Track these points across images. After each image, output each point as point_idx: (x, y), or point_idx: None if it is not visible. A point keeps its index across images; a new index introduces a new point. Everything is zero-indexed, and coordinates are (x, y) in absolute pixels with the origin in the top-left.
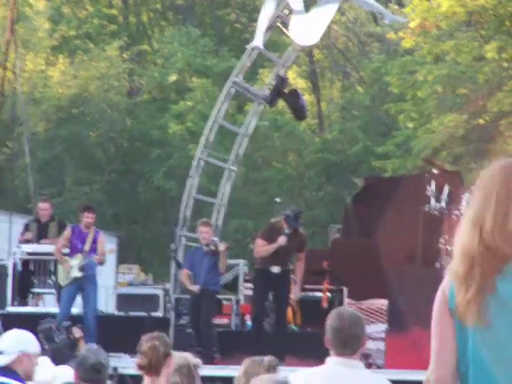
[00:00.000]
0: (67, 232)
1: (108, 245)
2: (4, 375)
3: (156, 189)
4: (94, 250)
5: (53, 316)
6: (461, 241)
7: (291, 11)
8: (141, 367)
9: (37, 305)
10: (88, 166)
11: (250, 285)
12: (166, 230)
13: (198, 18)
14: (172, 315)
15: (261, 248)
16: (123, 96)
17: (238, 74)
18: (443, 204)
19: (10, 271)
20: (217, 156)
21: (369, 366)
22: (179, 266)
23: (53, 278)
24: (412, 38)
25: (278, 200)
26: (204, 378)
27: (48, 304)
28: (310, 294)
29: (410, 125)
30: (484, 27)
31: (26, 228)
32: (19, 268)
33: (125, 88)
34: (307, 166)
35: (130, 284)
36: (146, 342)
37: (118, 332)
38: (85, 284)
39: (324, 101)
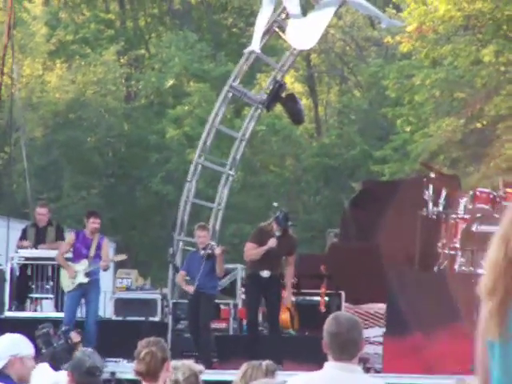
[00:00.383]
0: (71, 237)
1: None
2: None
3: (154, 193)
4: (98, 255)
5: (50, 321)
6: (489, 255)
7: (288, 15)
8: (138, 373)
9: (35, 310)
10: (85, 171)
11: None
12: (163, 235)
13: (195, 22)
14: (170, 320)
15: (251, 251)
16: (121, 101)
17: (236, 78)
18: (441, 208)
19: (7, 276)
20: (214, 160)
21: (367, 370)
22: (177, 270)
23: (51, 283)
24: (409, 42)
25: (276, 204)
26: (202, 383)
27: (46, 309)
28: (308, 298)
29: (408, 129)
30: (481, 31)
31: (24, 233)
32: (17, 273)
33: (122, 93)
34: (305, 170)
35: (128, 289)
36: (143, 347)
37: (115, 337)
38: (89, 290)
39: (321, 105)
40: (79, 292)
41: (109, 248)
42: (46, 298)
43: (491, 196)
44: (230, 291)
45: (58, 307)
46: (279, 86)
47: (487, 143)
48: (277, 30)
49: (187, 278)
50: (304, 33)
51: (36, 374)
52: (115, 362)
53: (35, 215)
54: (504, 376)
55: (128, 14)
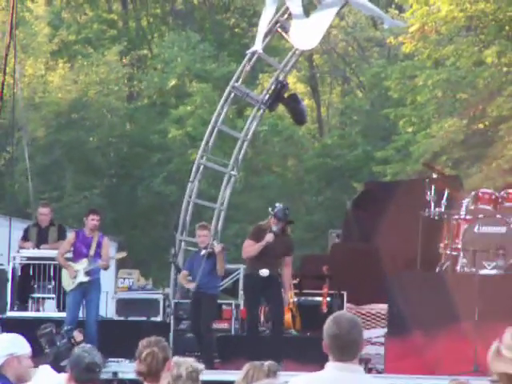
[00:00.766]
0: (71, 237)
1: (110, 249)
2: None
3: (156, 193)
4: (98, 254)
5: (52, 321)
6: None
7: (291, 16)
8: (140, 374)
9: (37, 310)
10: (88, 171)
11: None
12: (165, 235)
13: (197, 22)
14: (172, 320)
15: (248, 248)
16: (123, 101)
17: (238, 78)
18: (443, 209)
19: (9, 276)
20: (216, 161)
21: (369, 370)
22: (179, 270)
23: (52, 282)
24: (412, 42)
25: (278, 205)
26: (204, 383)
27: (48, 309)
28: (310, 298)
29: (410, 129)
30: (484, 32)
31: (26, 233)
32: (19, 273)
33: (124, 93)
34: (307, 171)
35: (130, 289)
36: (145, 348)
37: (117, 337)
38: (89, 289)
39: (324, 105)
40: (80, 291)
41: (109, 247)
42: (48, 298)
43: (493, 197)
44: (232, 291)
45: (60, 307)
46: (282, 86)
47: (489, 144)
48: (279, 30)
49: (189, 277)
50: (306, 33)
51: (38, 376)
52: (117, 362)
53: (37, 215)
54: None
55: (130, 14)
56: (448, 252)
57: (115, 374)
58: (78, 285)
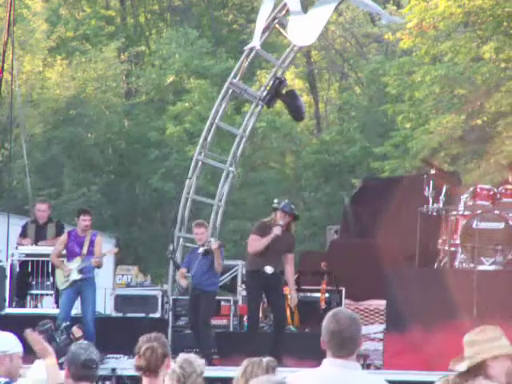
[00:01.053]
0: (63, 237)
1: (107, 246)
2: None
3: (154, 190)
4: (91, 252)
5: (51, 317)
6: None
7: (289, 12)
8: (139, 368)
9: (35, 306)
10: (86, 168)
11: None
12: (163, 231)
13: (195, 19)
14: (170, 316)
15: (255, 242)
16: (121, 97)
17: (236, 75)
18: (441, 204)
19: (7, 273)
20: (215, 157)
21: (367, 366)
22: (177, 267)
23: (51, 279)
24: (410, 38)
25: (276, 201)
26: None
27: (46, 305)
28: (309, 294)
29: (408, 125)
30: (482, 28)
31: (24, 229)
32: (17, 269)
33: (122, 89)
34: (305, 167)
35: (128, 285)
36: (144, 343)
37: (116, 333)
38: (83, 287)
39: (322, 102)
40: (73, 289)
41: (102, 244)
42: (47, 295)
43: (491, 193)
44: (230, 288)
45: (59, 304)
46: (279, 82)
47: (488, 140)
48: (277, 26)
49: (188, 274)
50: (304, 29)
51: (34, 371)
52: (115, 358)
53: (35, 211)
54: None
55: (128, 10)
56: (446, 248)
57: (113, 370)
58: (71, 283)
